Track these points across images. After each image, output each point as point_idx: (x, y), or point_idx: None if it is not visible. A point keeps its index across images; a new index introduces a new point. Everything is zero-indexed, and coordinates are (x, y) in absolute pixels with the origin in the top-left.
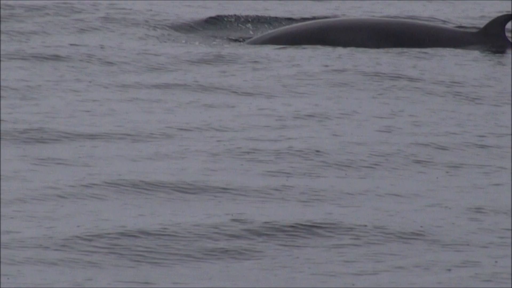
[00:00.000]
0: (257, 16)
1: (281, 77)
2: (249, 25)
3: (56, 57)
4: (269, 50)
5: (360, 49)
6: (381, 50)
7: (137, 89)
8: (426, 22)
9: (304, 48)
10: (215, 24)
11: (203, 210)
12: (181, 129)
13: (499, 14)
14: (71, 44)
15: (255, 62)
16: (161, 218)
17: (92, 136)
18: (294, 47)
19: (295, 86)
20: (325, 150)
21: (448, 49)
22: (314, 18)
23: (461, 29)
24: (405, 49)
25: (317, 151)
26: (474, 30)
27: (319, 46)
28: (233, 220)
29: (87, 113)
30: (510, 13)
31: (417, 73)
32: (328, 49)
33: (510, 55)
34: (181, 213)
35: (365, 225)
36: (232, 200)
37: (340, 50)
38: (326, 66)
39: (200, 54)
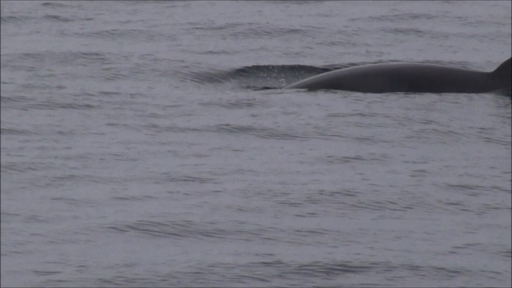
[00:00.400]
0: (289, 66)
1: (312, 121)
2: (281, 75)
3: (87, 106)
4: (300, 96)
5: (389, 94)
6: (410, 94)
7: (169, 132)
8: (441, 65)
9: (335, 93)
10: (247, 73)
11: (235, 251)
12: (213, 173)
13: None
14: (101, 92)
15: (286, 106)
16: (193, 259)
17: (124, 179)
18: (325, 92)
19: (326, 129)
20: (357, 193)
21: (472, 92)
22: (345, 65)
23: (474, 70)
24: (432, 94)
25: (349, 193)
26: (487, 71)
27: (349, 92)
28: (265, 262)
29: (119, 156)
30: None
31: (445, 118)
32: (359, 94)
33: None
34: (213, 254)
35: (399, 266)
36: (264, 242)
37: (370, 96)
38: (356, 110)
39: (232, 99)
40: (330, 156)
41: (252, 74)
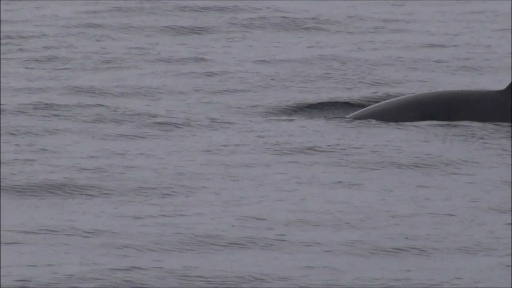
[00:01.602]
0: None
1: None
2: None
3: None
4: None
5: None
6: (430, 123)
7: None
8: (457, 90)
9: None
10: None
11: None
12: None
13: None
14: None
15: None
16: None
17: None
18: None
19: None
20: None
21: (487, 114)
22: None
23: (485, 90)
24: (450, 121)
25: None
26: (498, 89)
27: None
28: None
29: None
30: None
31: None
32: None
33: None
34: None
35: None
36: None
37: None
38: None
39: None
40: None
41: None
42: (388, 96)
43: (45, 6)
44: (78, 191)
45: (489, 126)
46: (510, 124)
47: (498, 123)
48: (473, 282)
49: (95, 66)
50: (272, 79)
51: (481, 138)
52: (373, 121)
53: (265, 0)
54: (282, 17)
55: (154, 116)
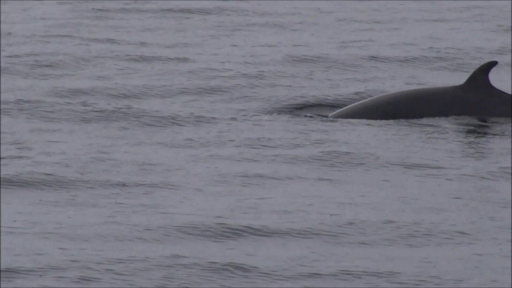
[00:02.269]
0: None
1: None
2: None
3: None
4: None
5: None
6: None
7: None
8: (418, 89)
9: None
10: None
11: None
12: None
13: (482, 63)
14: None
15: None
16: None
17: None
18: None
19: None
20: None
21: (444, 109)
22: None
23: (445, 86)
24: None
25: None
26: (458, 84)
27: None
28: None
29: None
30: (494, 60)
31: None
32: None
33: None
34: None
35: None
36: None
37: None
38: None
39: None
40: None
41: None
42: (372, 94)
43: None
44: (63, 185)
45: (449, 120)
46: (469, 118)
47: (457, 117)
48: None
49: (78, 65)
50: (256, 78)
51: (440, 133)
52: (343, 121)
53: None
54: (264, 16)
55: (140, 114)
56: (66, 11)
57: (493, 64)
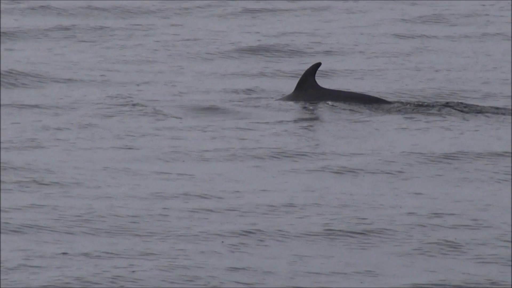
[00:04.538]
0: None
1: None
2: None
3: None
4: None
5: None
6: None
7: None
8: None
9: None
10: None
11: None
12: None
13: (309, 66)
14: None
15: None
16: None
17: None
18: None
19: None
20: None
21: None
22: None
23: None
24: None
25: None
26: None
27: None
28: None
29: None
30: (318, 62)
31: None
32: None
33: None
34: None
35: None
36: None
37: None
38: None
39: None
40: None
41: None
42: None
43: None
44: None
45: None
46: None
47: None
48: None
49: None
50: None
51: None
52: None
53: None
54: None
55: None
56: None
57: (318, 65)
